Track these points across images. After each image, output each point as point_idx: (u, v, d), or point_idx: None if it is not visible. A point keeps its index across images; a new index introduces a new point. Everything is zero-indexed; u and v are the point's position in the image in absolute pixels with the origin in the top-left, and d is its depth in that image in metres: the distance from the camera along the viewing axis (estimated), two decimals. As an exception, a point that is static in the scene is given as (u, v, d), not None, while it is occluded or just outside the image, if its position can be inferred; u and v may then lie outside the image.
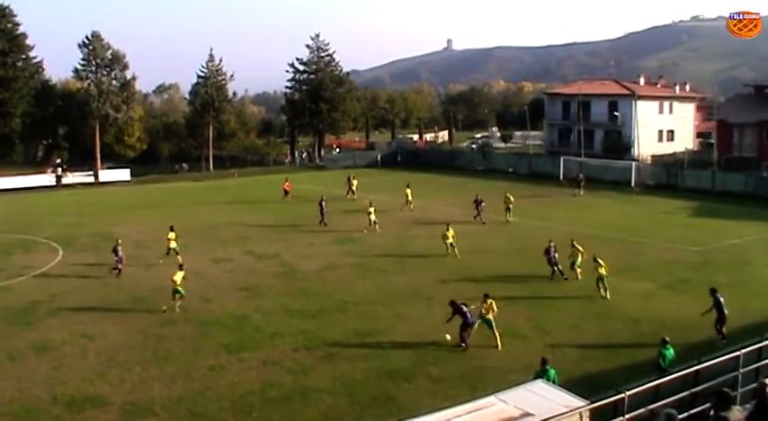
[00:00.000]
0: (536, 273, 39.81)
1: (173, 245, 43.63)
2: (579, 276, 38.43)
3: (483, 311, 29.08)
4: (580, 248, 39.12)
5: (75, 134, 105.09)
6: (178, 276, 34.03)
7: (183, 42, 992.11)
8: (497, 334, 28.64)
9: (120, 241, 41.31)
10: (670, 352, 23.63)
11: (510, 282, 38.39)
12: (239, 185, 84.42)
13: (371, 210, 53.07)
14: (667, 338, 24.21)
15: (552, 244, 39.03)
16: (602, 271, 35.38)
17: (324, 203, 55.10)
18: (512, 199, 56.07)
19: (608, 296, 35.02)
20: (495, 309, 28.94)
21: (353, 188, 68.82)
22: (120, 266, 39.94)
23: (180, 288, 33.86)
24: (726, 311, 29.56)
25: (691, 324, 30.94)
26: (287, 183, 69.34)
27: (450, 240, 44.95)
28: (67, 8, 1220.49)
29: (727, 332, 29.39)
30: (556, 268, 38.66)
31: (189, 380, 25.53)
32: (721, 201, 66.72)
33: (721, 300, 29.79)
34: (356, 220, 53.79)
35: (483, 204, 55.45)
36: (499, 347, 28.36)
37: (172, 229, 44.51)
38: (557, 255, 38.66)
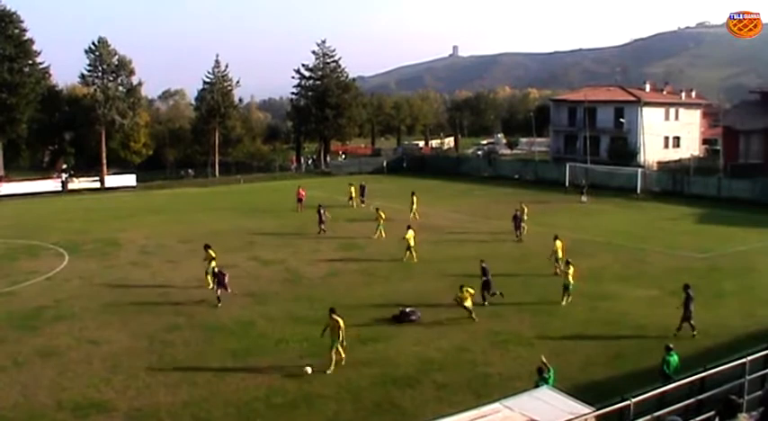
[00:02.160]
0: (541, 280, 39.81)
1: (212, 264, 38.37)
2: (558, 271, 39.66)
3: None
4: (559, 245, 40.93)
5: (82, 140, 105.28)
6: (468, 299, 32.69)
7: (188, 48, 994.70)
8: (334, 357, 26.85)
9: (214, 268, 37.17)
10: (674, 358, 23.59)
11: (515, 288, 38.28)
12: (245, 191, 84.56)
13: (381, 214, 52.82)
14: (671, 345, 24.22)
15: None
16: (570, 279, 35.22)
17: (322, 210, 54.80)
18: (525, 209, 53.62)
19: (564, 303, 35.05)
20: (342, 327, 26.89)
21: (353, 195, 67.98)
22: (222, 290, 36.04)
23: (468, 304, 32.87)
24: (692, 308, 30.37)
25: (696, 330, 30.87)
26: (301, 191, 66.91)
27: (411, 243, 45.29)
28: (74, 14, 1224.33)
29: (733, 339, 29.43)
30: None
31: (194, 386, 25.51)
32: (727, 207, 66.58)
33: (691, 295, 30.54)
34: (361, 227, 53.76)
35: (522, 221, 51.75)
36: (329, 371, 26.59)
37: (208, 248, 39.41)
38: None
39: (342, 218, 57.63)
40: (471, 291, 32.71)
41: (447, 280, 39.89)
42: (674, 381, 20.64)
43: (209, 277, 38.40)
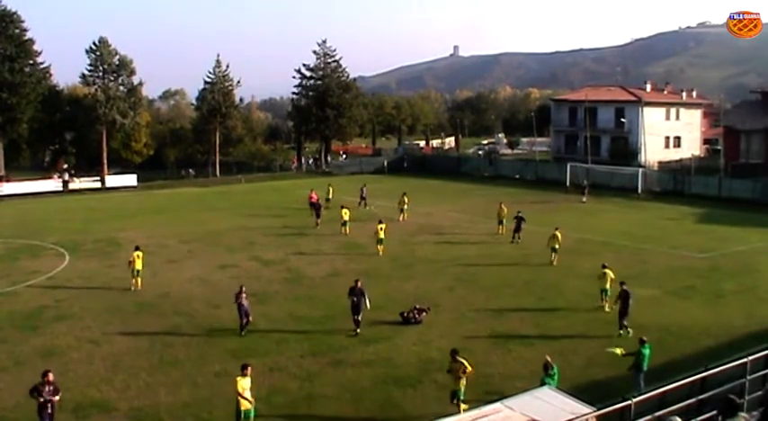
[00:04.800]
0: (543, 280, 39.87)
1: (138, 265, 38.64)
2: (555, 262, 43.40)
3: None
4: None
5: (83, 140, 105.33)
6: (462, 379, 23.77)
7: (189, 48, 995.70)
8: None
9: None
10: (647, 351, 24.02)
11: (517, 288, 38.38)
12: (246, 191, 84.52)
13: (344, 214, 54.05)
14: (645, 338, 24.79)
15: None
16: (608, 284, 34.46)
17: (320, 207, 57.86)
18: (505, 210, 53.76)
19: (607, 308, 33.94)
20: None
21: (330, 195, 67.55)
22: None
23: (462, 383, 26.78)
24: (630, 306, 30.57)
25: (697, 330, 30.93)
26: (313, 194, 62.80)
27: (382, 236, 46.80)
28: (74, 14, 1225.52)
29: (733, 339, 29.48)
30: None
31: (195, 387, 25.52)
32: (728, 207, 66.65)
33: (629, 292, 30.71)
34: (364, 227, 53.59)
35: (524, 222, 50.54)
36: None
37: (137, 249, 39.30)
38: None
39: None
40: (469, 368, 23.31)
41: (448, 280, 39.99)
42: (645, 373, 22.68)
43: (138, 279, 38.68)
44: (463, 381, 23.00)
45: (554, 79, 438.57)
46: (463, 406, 22.40)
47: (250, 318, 31.30)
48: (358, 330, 31.00)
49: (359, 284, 31.64)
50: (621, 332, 30.40)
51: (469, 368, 23.09)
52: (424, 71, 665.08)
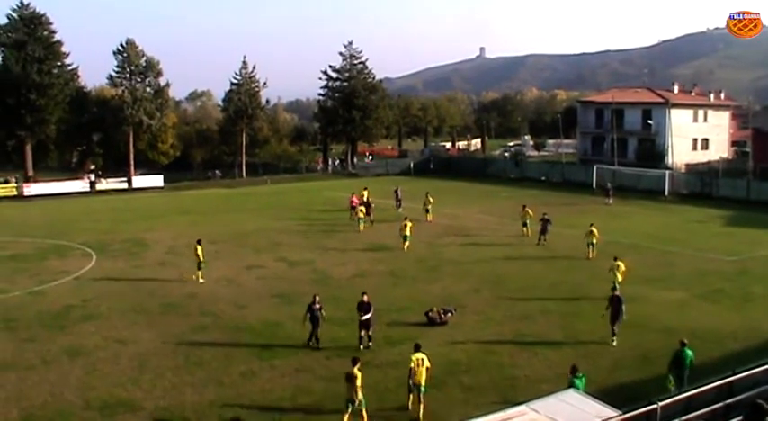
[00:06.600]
0: (569, 282, 39.70)
1: (201, 258, 40.74)
2: (592, 255, 45.33)
3: None
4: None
5: (110, 140, 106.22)
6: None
7: (216, 50, 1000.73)
8: None
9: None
10: (689, 353, 23.64)
11: (543, 290, 38.24)
12: (272, 192, 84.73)
13: (361, 209, 56.64)
14: (686, 340, 24.29)
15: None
16: (618, 276, 35.62)
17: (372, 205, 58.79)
18: (530, 213, 53.46)
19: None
20: None
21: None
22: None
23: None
24: (622, 311, 29.69)
25: (725, 334, 30.68)
26: (354, 198, 62.07)
27: (407, 233, 48.35)
28: (102, 16, 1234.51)
29: (762, 343, 29.22)
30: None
31: (220, 386, 25.60)
32: (757, 210, 66.12)
33: (620, 298, 29.99)
34: (392, 227, 53.56)
35: (551, 224, 50.72)
36: None
37: (200, 243, 41.05)
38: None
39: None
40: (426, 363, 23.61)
41: (474, 282, 39.91)
42: (686, 376, 22.30)
43: (199, 272, 40.69)
44: (422, 378, 23.17)
45: (581, 81, 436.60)
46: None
47: (317, 331, 29.68)
48: (362, 347, 29.11)
49: (365, 298, 29.94)
50: (615, 339, 30.00)
51: (411, 364, 23.27)
52: (451, 73, 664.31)
